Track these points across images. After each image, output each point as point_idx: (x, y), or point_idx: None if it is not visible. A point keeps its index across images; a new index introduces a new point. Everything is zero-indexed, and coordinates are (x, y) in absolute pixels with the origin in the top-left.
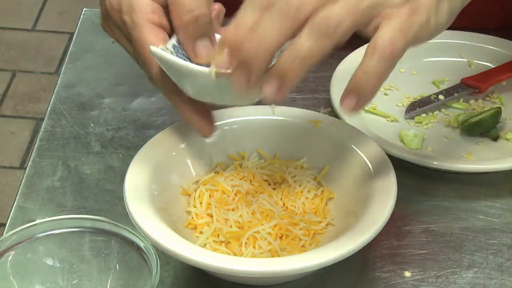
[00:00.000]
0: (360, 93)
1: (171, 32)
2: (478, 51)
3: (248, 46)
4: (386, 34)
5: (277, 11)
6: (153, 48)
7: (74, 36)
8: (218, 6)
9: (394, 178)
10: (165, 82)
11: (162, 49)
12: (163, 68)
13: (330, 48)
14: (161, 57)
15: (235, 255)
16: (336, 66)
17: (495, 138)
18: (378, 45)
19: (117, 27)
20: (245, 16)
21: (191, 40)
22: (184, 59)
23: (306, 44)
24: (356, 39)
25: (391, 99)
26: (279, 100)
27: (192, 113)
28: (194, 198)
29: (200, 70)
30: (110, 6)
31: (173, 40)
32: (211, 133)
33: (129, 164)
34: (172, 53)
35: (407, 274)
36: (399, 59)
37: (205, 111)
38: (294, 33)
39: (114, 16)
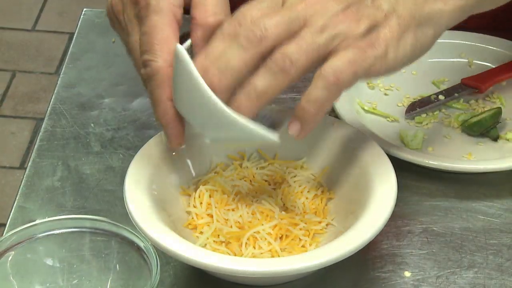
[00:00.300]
0: (303, 120)
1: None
2: (478, 51)
3: (212, 72)
4: (334, 63)
5: (239, 42)
6: (180, 48)
7: (74, 36)
8: None
9: (394, 178)
10: (161, 76)
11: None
12: (175, 68)
13: (286, 85)
14: (185, 61)
15: (235, 255)
16: None
17: (495, 138)
18: (323, 73)
19: (135, 8)
20: (214, 46)
21: (206, 42)
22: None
23: (261, 82)
24: None
25: (391, 99)
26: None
27: (173, 117)
28: (194, 198)
29: (209, 96)
30: None
31: (188, 43)
32: (181, 145)
33: (129, 164)
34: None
35: (407, 274)
36: (344, 89)
37: (182, 120)
38: (255, 63)
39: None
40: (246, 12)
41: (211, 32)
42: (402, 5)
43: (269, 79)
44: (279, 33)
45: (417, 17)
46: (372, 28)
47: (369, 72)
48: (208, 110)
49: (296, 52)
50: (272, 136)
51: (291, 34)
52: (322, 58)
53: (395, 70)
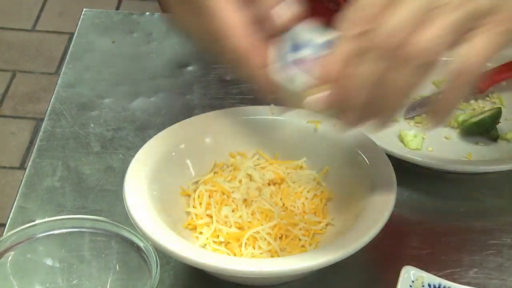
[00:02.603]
0: (440, 113)
1: None
2: None
3: (348, 90)
4: (469, 54)
5: (375, 55)
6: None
7: (74, 36)
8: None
9: (394, 178)
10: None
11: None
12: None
13: (429, 74)
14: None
15: (235, 255)
16: None
17: (495, 138)
18: (467, 64)
19: (197, 12)
20: (342, 54)
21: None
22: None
23: (405, 79)
24: None
25: None
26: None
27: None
28: (194, 198)
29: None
30: None
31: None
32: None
33: (129, 164)
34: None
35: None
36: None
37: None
38: (390, 65)
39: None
40: (363, 7)
41: None
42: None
43: (413, 74)
44: (413, 27)
45: None
46: (492, 6)
47: (503, 48)
48: None
49: (438, 35)
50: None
51: (424, 21)
52: (459, 38)
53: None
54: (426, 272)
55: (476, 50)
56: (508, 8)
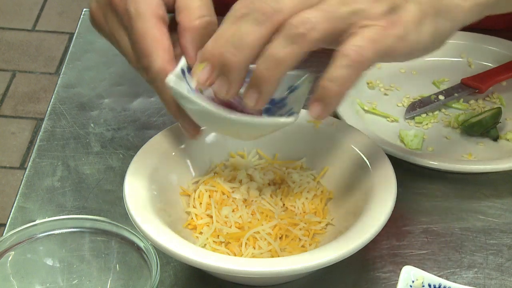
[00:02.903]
0: (325, 100)
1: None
2: (478, 51)
3: (226, 54)
4: (356, 42)
5: (253, 17)
6: (170, 82)
7: (74, 36)
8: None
9: (394, 178)
10: (163, 77)
11: (176, 77)
12: (176, 99)
13: (303, 53)
14: (179, 93)
15: (235, 255)
16: None
17: (495, 138)
18: (344, 51)
19: (116, 17)
20: (223, 28)
21: (196, 45)
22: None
23: (279, 49)
24: None
25: (391, 99)
26: (260, 107)
27: (185, 114)
28: (194, 198)
29: (220, 114)
30: None
31: (182, 63)
32: (198, 134)
33: (129, 164)
34: (181, 77)
35: None
36: (366, 68)
37: None
38: (269, 37)
39: (117, 5)
40: None
41: (199, 35)
42: None
43: (288, 45)
44: (295, 5)
45: (436, 7)
46: (392, 10)
47: (390, 52)
48: (219, 121)
49: (316, 16)
50: (288, 119)
51: (308, 6)
52: (340, 32)
53: (412, 56)
54: (426, 272)
55: (359, 41)
56: (404, 14)
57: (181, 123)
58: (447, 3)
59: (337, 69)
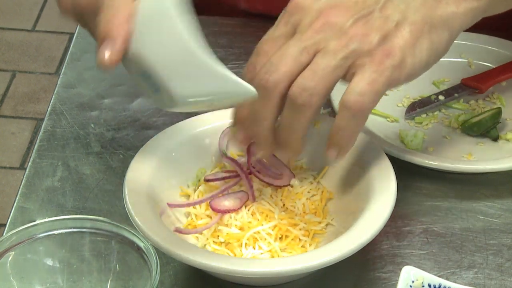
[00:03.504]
0: (338, 146)
1: None
2: (478, 51)
3: (251, 127)
4: (354, 89)
5: (259, 94)
6: None
7: (74, 37)
8: None
9: (394, 178)
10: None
11: None
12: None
13: (312, 115)
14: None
15: (235, 255)
16: None
17: (495, 139)
18: (346, 103)
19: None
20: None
21: None
22: None
23: (289, 119)
24: None
25: (391, 99)
26: (294, 159)
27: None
28: (194, 198)
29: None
30: None
31: None
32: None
33: (129, 165)
34: None
35: None
36: (371, 111)
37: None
38: (279, 108)
39: None
40: (260, 49)
41: None
42: (413, 11)
43: (296, 115)
44: (292, 71)
45: (429, 22)
46: (384, 39)
47: (390, 84)
48: (185, 55)
49: (312, 80)
50: (251, 88)
51: (305, 66)
52: (340, 77)
53: (415, 76)
54: (426, 272)
55: (358, 88)
56: (396, 41)
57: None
58: (441, 13)
59: (343, 121)
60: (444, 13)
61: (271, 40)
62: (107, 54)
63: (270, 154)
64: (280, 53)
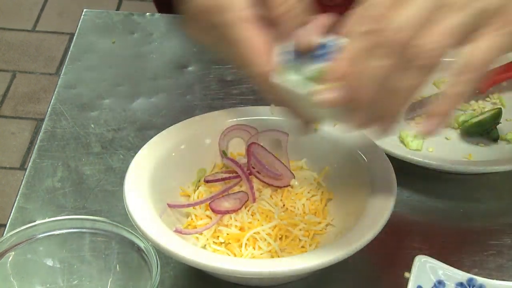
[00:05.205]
0: (444, 114)
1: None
2: None
3: (358, 86)
4: (483, 48)
5: (382, 51)
6: (275, 80)
7: (75, 37)
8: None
9: (394, 178)
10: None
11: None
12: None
13: (431, 75)
14: (283, 88)
15: (235, 256)
16: None
17: (495, 139)
18: (475, 63)
19: (210, 29)
20: (352, 51)
21: (290, 31)
22: (301, 60)
23: (409, 81)
24: None
25: None
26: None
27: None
28: (194, 198)
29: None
30: (197, 9)
31: (286, 47)
32: (310, 129)
33: (129, 165)
34: (290, 61)
35: (407, 275)
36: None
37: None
38: (395, 65)
39: (204, 19)
40: (375, 3)
41: (290, 18)
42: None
43: (416, 76)
44: (419, 27)
45: None
46: (500, 7)
47: (506, 50)
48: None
49: (442, 37)
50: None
51: (430, 21)
52: (465, 37)
53: None
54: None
55: (480, 51)
56: (509, 13)
57: (293, 118)
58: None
59: (463, 84)
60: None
61: None
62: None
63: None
64: (404, 7)
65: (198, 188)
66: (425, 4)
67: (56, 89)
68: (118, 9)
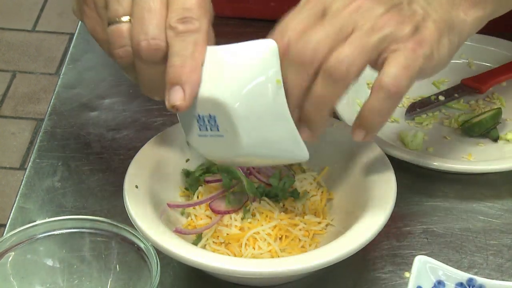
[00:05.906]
0: (368, 128)
1: None
2: (478, 51)
3: None
4: (390, 71)
5: (294, 66)
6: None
7: (74, 37)
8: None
9: (394, 178)
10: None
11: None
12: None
13: (345, 90)
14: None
15: (235, 256)
16: None
17: (495, 139)
18: (382, 84)
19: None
20: None
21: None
22: None
23: (323, 91)
24: None
25: None
26: (314, 140)
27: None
28: (194, 199)
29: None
30: None
31: None
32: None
33: (129, 165)
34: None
35: (407, 274)
36: (404, 95)
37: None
38: (312, 78)
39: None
40: (289, 25)
41: None
42: (434, 10)
43: (330, 85)
44: (330, 46)
45: (448, 23)
46: (415, 30)
47: (420, 73)
48: (275, 114)
49: (352, 53)
50: (307, 153)
51: (341, 41)
52: (373, 60)
53: (436, 72)
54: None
55: (394, 70)
56: (426, 33)
57: (189, 87)
58: (454, 19)
59: (377, 102)
60: (457, 18)
61: (298, 19)
62: (179, 99)
63: None
64: (316, 29)
65: (198, 189)
66: (334, 27)
67: (56, 89)
68: None
